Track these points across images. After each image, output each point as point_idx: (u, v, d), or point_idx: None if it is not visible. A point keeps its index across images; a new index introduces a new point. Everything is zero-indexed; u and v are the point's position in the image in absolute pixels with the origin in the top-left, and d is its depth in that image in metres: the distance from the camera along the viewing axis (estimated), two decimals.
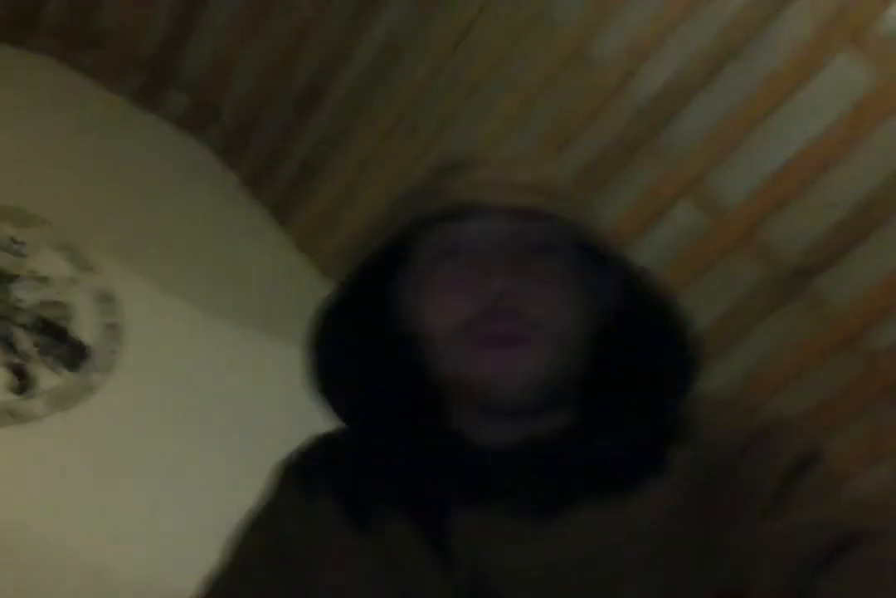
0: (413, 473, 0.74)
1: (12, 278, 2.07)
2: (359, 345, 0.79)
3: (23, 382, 1.93)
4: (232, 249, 2.42)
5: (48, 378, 1.97)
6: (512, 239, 0.71)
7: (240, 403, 2.12)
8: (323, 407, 0.77)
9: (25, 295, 2.06)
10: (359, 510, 0.73)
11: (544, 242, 0.72)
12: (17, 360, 1.96)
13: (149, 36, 2.49)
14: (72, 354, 2.04)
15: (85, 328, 2.08)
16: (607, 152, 1.87)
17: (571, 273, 0.73)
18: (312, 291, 2.32)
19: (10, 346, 1.97)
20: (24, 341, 1.99)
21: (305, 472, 0.79)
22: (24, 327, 2.01)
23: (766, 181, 1.70)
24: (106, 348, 2.08)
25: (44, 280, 2.11)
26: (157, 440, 1.98)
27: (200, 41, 2.48)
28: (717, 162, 1.75)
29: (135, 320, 2.14)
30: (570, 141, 1.93)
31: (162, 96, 2.59)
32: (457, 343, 0.71)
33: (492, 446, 0.72)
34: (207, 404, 2.09)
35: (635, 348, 0.76)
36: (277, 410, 2.02)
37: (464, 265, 0.72)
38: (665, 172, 1.82)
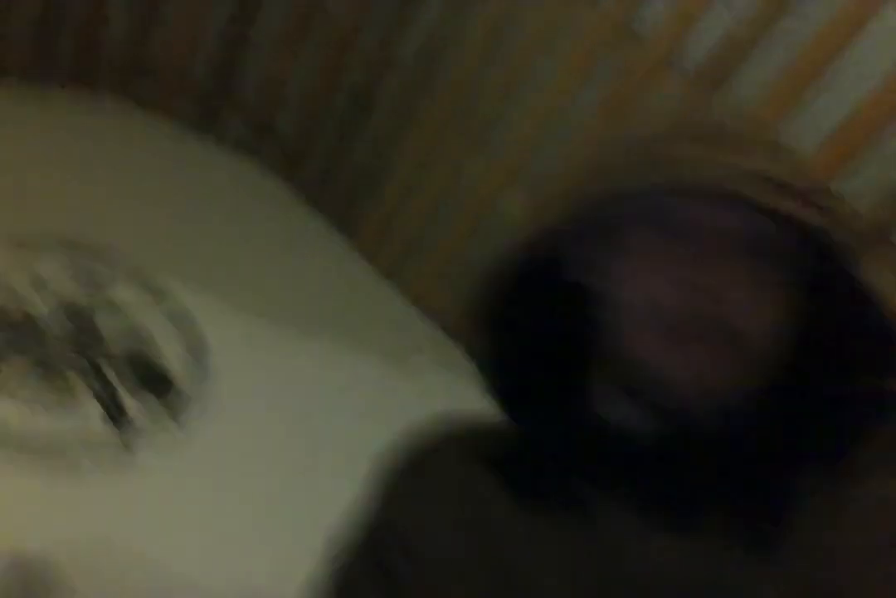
0: (555, 457, 0.69)
1: (95, 312, 2.12)
2: (527, 305, 0.75)
3: (115, 414, 1.96)
4: (299, 262, 2.44)
5: (137, 407, 2.00)
6: (744, 237, 0.64)
7: (324, 415, 2.13)
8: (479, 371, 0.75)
9: (108, 326, 2.10)
10: (494, 498, 0.69)
11: (779, 248, 0.65)
12: (106, 392, 1.99)
13: (200, 63, 2.54)
14: (158, 380, 2.06)
15: (168, 353, 2.11)
16: (660, 126, 1.81)
17: (797, 289, 0.66)
18: (381, 296, 2.33)
19: (100, 378, 2.00)
20: (111, 371, 2.03)
21: (433, 462, 0.75)
22: (110, 357, 2.05)
23: (829, 137, 1.62)
24: (191, 371, 2.10)
25: (124, 310, 2.15)
26: (251, 465, 1.96)
27: (249, 63, 2.52)
28: (778, 122, 1.67)
29: (214, 340, 2.16)
30: (625, 115, 1.88)
31: (218, 121, 2.64)
32: (643, 327, 0.65)
33: (640, 437, 0.67)
34: (294, 418, 2.10)
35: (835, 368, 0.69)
36: (361, 423, 2.02)
37: (681, 249, 0.65)
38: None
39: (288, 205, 2.57)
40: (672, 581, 0.60)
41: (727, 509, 0.62)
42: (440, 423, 0.78)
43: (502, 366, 0.75)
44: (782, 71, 1.65)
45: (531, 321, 0.75)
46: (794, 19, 1.64)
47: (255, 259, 2.40)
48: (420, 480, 0.75)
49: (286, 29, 2.43)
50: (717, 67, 1.73)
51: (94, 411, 1.96)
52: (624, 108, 1.88)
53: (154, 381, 2.06)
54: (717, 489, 0.63)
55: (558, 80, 1.99)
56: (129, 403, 2.00)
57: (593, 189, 0.69)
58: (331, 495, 1.88)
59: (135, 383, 2.03)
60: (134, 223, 2.33)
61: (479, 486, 0.70)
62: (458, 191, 2.27)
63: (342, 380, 2.21)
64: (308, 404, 2.14)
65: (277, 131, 2.61)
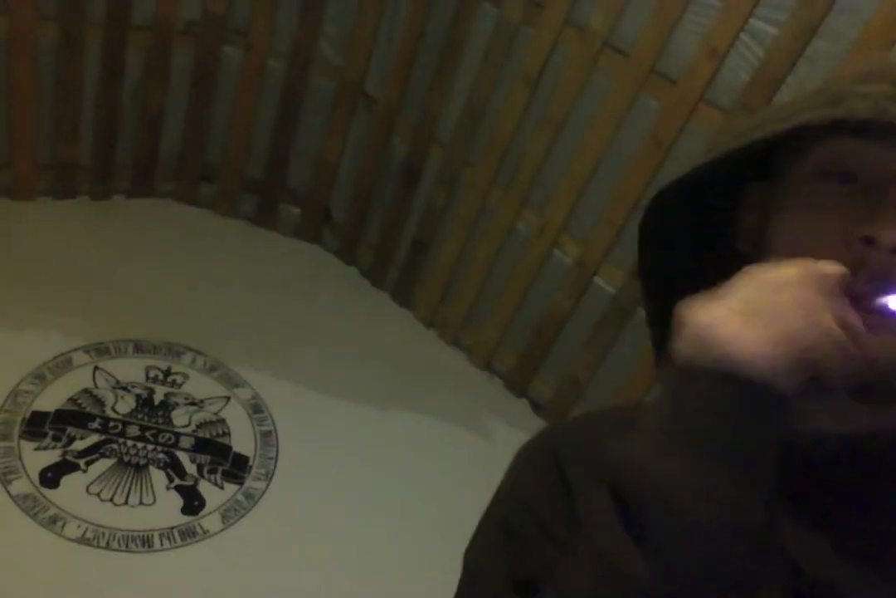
0: None
1: (172, 407, 2.17)
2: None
3: (195, 503, 1.99)
4: (366, 339, 2.47)
5: (216, 495, 2.02)
6: None
7: (395, 482, 2.12)
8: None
9: (185, 420, 2.15)
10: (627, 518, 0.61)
11: None
12: (186, 483, 2.02)
13: (253, 161, 2.64)
14: (234, 467, 2.09)
15: (242, 440, 2.14)
16: None
17: None
18: (447, 363, 2.34)
19: (179, 470, 2.04)
20: (190, 463, 2.06)
21: (557, 452, 0.67)
22: (188, 450, 2.09)
23: None
24: (264, 456, 2.13)
25: (200, 403, 2.20)
26: (324, 536, 1.98)
27: (299, 153, 2.61)
28: None
29: (286, 424, 2.20)
30: (666, 155, 1.86)
31: (275, 213, 2.72)
32: None
33: (829, 431, 0.57)
34: (365, 487, 2.10)
35: None
36: (436, 487, 2.00)
37: (855, 194, 0.56)
38: None
39: (350, 285, 2.64)
40: None
41: None
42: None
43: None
44: None
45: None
46: (825, 41, 1.62)
47: (322, 341, 2.44)
48: (551, 456, 0.68)
49: (333, 113, 2.51)
50: (753, 97, 1.71)
51: (173, 502, 1.98)
52: (664, 148, 1.86)
53: (228, 467, 2.08)
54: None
55: (596, 130, 1.99)
56: (206, 488, 2.03)
57: (769, 125, 0.59)
58: (395, 565, 1.89)
59: (210, 471, 2.06)
60: (206, 318, 2.40)
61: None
62: (510, 252, 2.27)
63: (412, 450, 2.20)
64: (377, 477, 2.13)
65: (332, 216, 2.68)
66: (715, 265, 0.66)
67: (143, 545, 1.88)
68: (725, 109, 1.76)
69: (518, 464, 0.71)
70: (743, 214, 0.66)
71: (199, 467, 2.06)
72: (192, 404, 2.19)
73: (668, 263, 0.69)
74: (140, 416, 2.13)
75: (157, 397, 2.18)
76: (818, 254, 0.54)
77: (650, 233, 0.68)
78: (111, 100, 2.48)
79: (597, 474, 0.59)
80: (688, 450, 0.50)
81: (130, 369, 2.22)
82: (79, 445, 2.02)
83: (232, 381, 2.27)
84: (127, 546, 1.87)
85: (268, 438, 2.17)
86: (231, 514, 1.99)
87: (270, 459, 2.12)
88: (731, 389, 0.49)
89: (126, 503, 1.95)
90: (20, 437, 2.00)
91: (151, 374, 2.23)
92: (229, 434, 2.15)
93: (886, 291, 0.54)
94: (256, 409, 2.23)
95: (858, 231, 0.54)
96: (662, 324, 0.65)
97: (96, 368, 2.19)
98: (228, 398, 2.23)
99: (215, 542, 1.93)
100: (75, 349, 2.21)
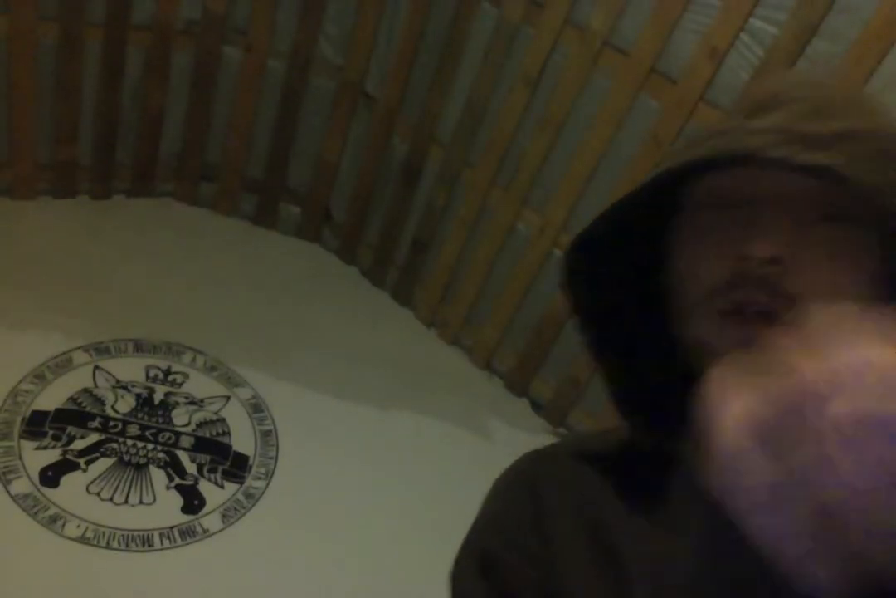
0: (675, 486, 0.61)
1: (172, 406, 2.17)
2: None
3: (195, 502, 1.99)
4: (366, 339, 2.47)
5: (216, 494, 2.02)
6: (795, 199, 0.59)
7: (395, 481, 2.12)
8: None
9: (186, 419, 2.15)
10: (603, 544, 0.61)
11: (834, 204, 0.59)
12: (186, 482, 2.02)
13: (253, 161, 2.64)
14: (234, 466, 2.09)
15: (242, 440, 2.14)
16: None
17: (864, 250, 0.59)
18: (447, 362, 2.34)
19: (179, 469, 2.04)
20: (190, 462, 2.07)
21: (535, 481, 0.67)
22: (188, 449, 2.09)
23: None
24: (264, 456, 2.13)
25: (200, 402, 2.20)
26: (323, 535, 1.98)
27: (299, 153, 2.61)
28: None
29: (286, 424, 2.20)
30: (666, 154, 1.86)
31: (275, 213, 2.73)
32: (699, 310, 0.60)
33: None
34: (364, 487, 2.10)
35: None
36: (435, 488, 2.00)
37: (729, 220, 0.60)
38: None
39: (350, 285, 2.64)
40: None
41: None
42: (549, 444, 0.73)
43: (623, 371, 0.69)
44: None
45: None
46: (826, 41, 1.62)
47: (323, 341, 2.44)
48: (530, 485, 0.68)
49: (332, 112, 2.51)
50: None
51: (173, 502, 1.99)
52: (665, 148, 1.86)
53: (228, 466, 2.08)
54: None
55: (596, 130, 1.99)
56: (206, 488, 2.03)
57: (661, 166, 0.64)
58: (394, 565, 1.89)
59: (210, 470, 2.06)
60: (206, 317, 2.40)
61: (589, 487, 0.65)
62: (510, 252, 2.28)
63: (412, 449, 2.20)
64: (377, 476, 2.13)
65: (332, 216, 2.68)
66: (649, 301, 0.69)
67: (143, 545, 1.88)
68: (725, 109, 1.76)
69: (496, 493, 0.71)
70: (662, 254, 0.68)
71: (199, 467, 2.06)
72: (192, 403, 2.19)
73: (601, 298, 0.70)
74: (140, 415, 2.13)
75: (158, 397, 2.18)
76: (706, 279, 0.59)
77: (580, 273, 0.69)
78: (111, 99, 2.48)
79: (574, 515, 0.61)
80: None
81: (130, 369, 2.22)
82: (79, 444, 2.02)
83: (232, 380, 2.27)
84: (127, 546, 1.87)
85: (268, 437, 2.17)
86: (231, 513, 2.00)
87: (270, 458, 2.13)
88: None
89: (126, 502, 1.95)
90: (20, 436, 2.00)
91: (151, 373, 2.23)
92: (229, 434, 2.15)
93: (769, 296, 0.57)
94: (256, 408, 2.23)
95: (736, 250, 0.58)
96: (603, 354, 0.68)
97: (96, 367, 2.19)
98: (228, 398, 2.23)
99: (215, 541, 1.93)
100: (75, 349, 2.21)
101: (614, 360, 0.69)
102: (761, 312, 0.57)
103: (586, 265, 0.68)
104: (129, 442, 2.06)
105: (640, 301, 0.70)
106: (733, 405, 0.42)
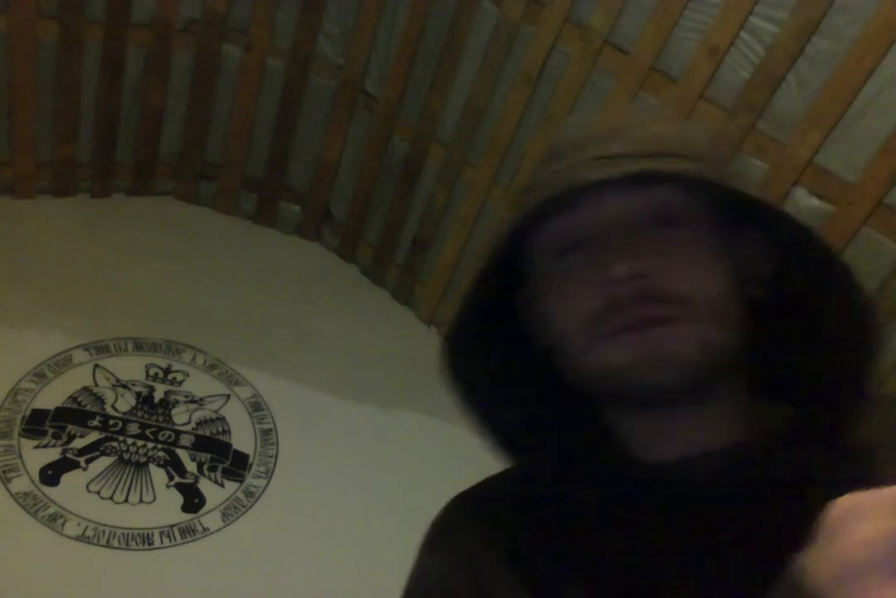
0: (585, 515, 0.63)
1: (172, 405, 2.17)
2: (506, 367, 0.72)
3: (195, 501, 1.99)
4: (365, 337, 2.47)
5: (216, 493, 2.02)
6: (626, 214, 0.62)
7: (395, 480, 2.12)
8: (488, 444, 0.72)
9: (186, 418, 2.15)
10: (524, 574, 0.62)
11: (664, 208, 0.63)
12: (187, 480, 2.02)
13: (253, 159, 2.64)
14: (234, 465, 2.09)
15: (242, 438, 2.15)
16: None
17: (709, 239, 0.63)
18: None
19: (179, 468, 2.04)
20: (190, 461, 2.07)
21: (461, 531, 0.69)
22: (188, 448, 2.09)
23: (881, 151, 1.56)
24: (264, 454, 2.13)
25: (200, 401, 2.20)
26: (323, 534, 1.98)
27: (299, 152, 2.61)
28: (826, 140, 1.63)
29: (286, 422, 2.21)
30: None
31: (275, 211, 2.73)
32: (590, 339, 0.62)
33: (671, 468, 0.61)
34: (364, 486, 2.11)
35: (800, 323, 0.66)
36: (434, 487, 1.99)
37: (584, 255, 0.63)
38: (775, 161, 1.71)
39: (350, 283, 2.64)
40: None
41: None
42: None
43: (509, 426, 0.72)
44: (820, 91, 1.62)
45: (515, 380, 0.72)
46: (826, 40, 1.62)
47: (323, 339, 2.44)
48: (454, 532, 0.71)
49: (332, 113, 2.51)
50: (753, 95, 1.71)
51: (173, 500, 1.99)
52: None
53: (228, 464, 2.08)
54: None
55: (597, 126, 1.99)
56: (206, 486, 2.03)
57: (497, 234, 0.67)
58: (394, 564, 1.89)
59: (211, 469, 2.06)
60: (206, 316, 2.40)
61: (506, 523, 0.67)
62: None
63: (411, 448, 2.20)
64: (376, 475, 2.13)
65: (332, 215, 2.68)
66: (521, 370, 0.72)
67: (144, 543, 1.88)
68: (726, 108, 1.76)
69: (428, 544, 0.73)
70: (526, 320, 0.70)
71: (199, 465, 2.07)
72: (192, 401, 2.19)
73: (474, 368, 0.72)
74: (140, 414, 2.13)
75: (157, 395, 2.18)
76: (585, 315, 0.61)
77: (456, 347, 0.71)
78: (111, 98, 2.47)
79: (497, 553, 0.63)
80: None
81: (130, 367, 2.22)
82: (79, 442, 2.02)
83: (232, 379, 2.27)
84: (127, 544, 1.87)
85: (268, 436, 2.17)
86: (231, 512, 2.00)
87: (270, 457, 2.13)
88: None
89: (126, 500, 1.95)
90: (20, 435, 2.00)
91: (151, 372, 2.23)
92: (229, 432, 2.15)
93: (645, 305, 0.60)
94: (256, 407, 2.23)
95: (602, 279, 0.60)
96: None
97: (96, 366, 2.19)
98: (228, 396, 2.23)
99: (215, 540, 1.93)
100: (75, 347, 2.21)
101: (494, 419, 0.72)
102: (653, 318, 0.59)
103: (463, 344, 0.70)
104: (129, 441, 2.06)
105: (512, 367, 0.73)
106: None
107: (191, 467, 2.06)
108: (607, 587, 0.59)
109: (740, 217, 0.64)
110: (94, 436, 2.05)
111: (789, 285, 0.66)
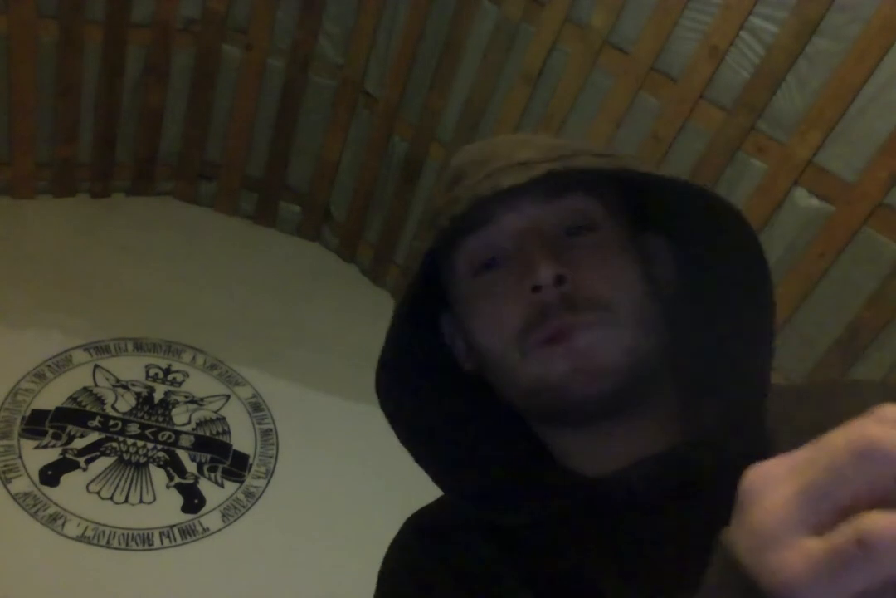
0: (540, 536, 0.63)
1: (172, 405, 2.17)
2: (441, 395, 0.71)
3: (195, 501, 1.99)
4: (365, 337, 2.46)
5: (216, 493, 2.02)
6: (540, 223, 0.62)
7: (395, 480, 2.11)
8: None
9: (185, 418, 2.15)
10: (482, 594, 0.62)
11: (578, 215, 0.63)
12: (187, 481, 2.02)
13: (253, 159, 2.64)
14: (234, 465, 2.09)
15: (242, 439, 2.15)
16: (706, 159, 1.79)
17: (620, 242, 0.63)
18: None
19: (179, 468, 2.04)
20: (190, 461, 2.07)
21: (418, 554, 0.69)
22: (188, 448, 2.09)
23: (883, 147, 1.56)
24: (264, 455, 2.13)
25: (200, 401, 2.20)
26: (323, 534, 1.98)
27: (299, 152, 2.61)
28: (827, 139, 1.63)
29: (286, 422, 2.21)
30: (667, 155, 1.86)
31: (275, 211, 2.72)
32: (520, 352, 0.61)
33: (610, 481, 0.61)
34: (364, 486, 2.10)
35: (707, 314, 0.66)
36: (434, 487, 1.99)
37: (499, 270, 0.63)
38: (775, 161, 1.71)
39: (350, 283, 2.64)
40: None
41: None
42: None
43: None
44: (820, 91, 1.62)
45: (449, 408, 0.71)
46: (826, 39, 1.61)
47: (323, 339, 2.44)
48: (412, 559, 0.71)
49: (331, 114, 2.51)
50: (753, 95, 1.71)
51: (173, 500, 1.99)
52: (665, 146, 1.86)
53: (228, 465, 2.08)
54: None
55: (597, 128, 1.99)
56: (206, 487, 2.03)
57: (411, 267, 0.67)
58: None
59: (211, 469, 2.06)
60: (206, 316, 2.40)
61: (459, 546, 0.67)
62: None
63: (407, 452, 2.20)
64: (376, 475, 2.12)
65: (332, 214, 2.68)
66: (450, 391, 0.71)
67: (143, 544, 1.88)
68: (726, 108, 1.76)
69: (385, 573, 0.73)
70: (450, 343, 0.70)
71: (200, 466, 2.07)
72: (192, 402, 2.19)
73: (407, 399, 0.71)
74: (140, 414, 2.13)
75: (157, 396, 2.18)
76: (512, 329, 0.61)
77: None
78: (111, 98, 2.47)
79: (455, 579, 0.63)
80: None
81: (130, 368, 2.22)
82: (79, 443, 2.02)
83: (232, 379, 2.27)
84: (127, 545, 1.87)
85: (268, 436, 2.17)
86: (231, 512, 2.00)
87: (270, 457, 2.13)
88: None
89: (126, 501, 1.95)
90: (20, 435, 2.00)
91: (151, 372, 2.23)
92: (229, 432, 2.15)
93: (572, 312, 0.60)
94: (256, 407, 2.23)
95: (523, 288, 0.60)
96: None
97: (96, 366, 2.19)
98: (228, 396, 2.23)
99: (215, 540, 1.93)
100: (75, 348, 2.21)
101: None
102: (576, 326, 0.59)
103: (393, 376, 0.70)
104: (129, 441, 2.06)
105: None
106: None
107: (191, 467, 2.06)
108: None
109: (646, 219, 0.65)
110: (94, 436, 2.05)
111: (694, 281, 0.67)
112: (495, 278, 0.63)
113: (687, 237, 0.66)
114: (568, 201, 0.63)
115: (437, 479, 0.70)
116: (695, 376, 0.67)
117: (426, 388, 0.71)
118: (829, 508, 0.31)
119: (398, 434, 0.71)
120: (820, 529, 0.31)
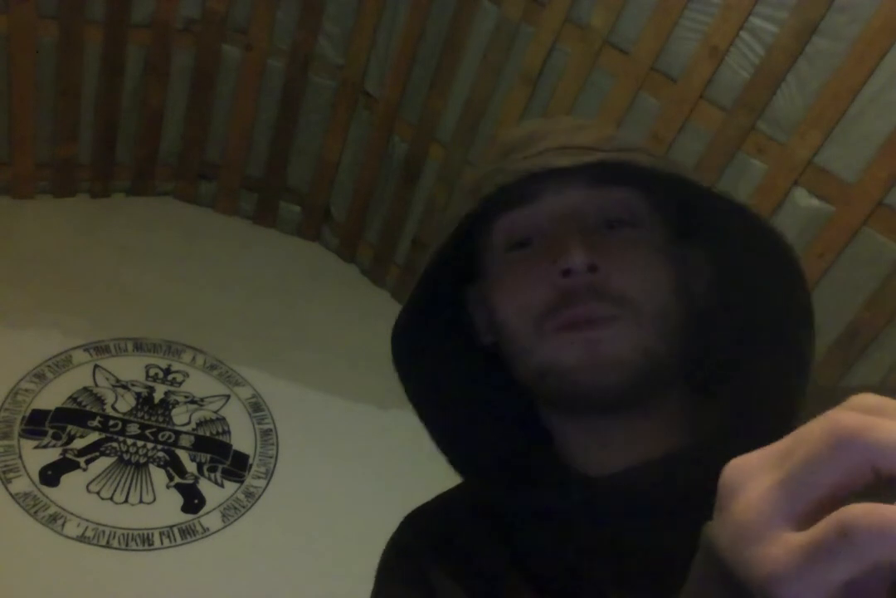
0: (539, 533, 0.63)
1: (172, 405, 2.17)
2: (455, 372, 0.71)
3: (195, 501, 1.99)
4: (365, 337, 2.46)
5: (216, 493, 2.02)
6: (583, 210, 0.62)
7: (395, 480, 2.12)
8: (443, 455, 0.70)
9: (185, 418, 2.15)
10: (481, 590, 0.62)
11: (623, 208, 0.62)
12: (186, 481, 2.02)
13: (253, 159, 2.64)
14: (234, 465, 2.09)
15: (242, 439, 2.15)
16: (706, 159, 1.79)
17: (659, 243, 0.63)
18: None
19: (179, 468, 2.04)
20: (191, 461, 2.06)
21: (416, 552, 0.69)
22: (188, 448, 2.09)
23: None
24: (264, 455, 2.13)
25: (200, 401, 2.20)
26: (323, 534, 1.99)
27: (299, 152, 2.61)
28: (827, 139, 1.63)
29: (286, 422, 2.21)
30: (667, 155, 1.86)
31: (275, 211, 2.72)
32: (538, 334, 0.61)
33: (613, 481, 0.60)
34: (364, 486, 2.10)
35: (735, 322, 0.66)
36: (434, 487, 1.99)
37: (534, 249, 0.62)
38: (775, 161, 1.71)
39: (350, 283, 2.64)
40: None
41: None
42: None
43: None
44: (820, 91, 1.62)
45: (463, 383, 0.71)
46: (826, 39, 1.61)
47: (323, 339, 2.44)
48: (410, 554, 0.71)
49: (331, 114, 2.51)
50: (753, 95, 1.71)
51: (173, 501, 1.99)
52: (665, 146, 1.86)
53: (228, 465, 2.08)
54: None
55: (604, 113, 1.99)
56: (206, 487, 2.03)
57: (443, 231, 0.65)
58: None
59: (210, 469, 2.06)
60: (206, 316, 2.40)
61: (459, 540, 0.67)
62: None
63: (411, 448, 2.19)
64: (376, 476, 2.13)
65: (332, 215, 2.68)
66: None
67: (143, 544, 1.88)
68: (726, 108, 1.76)
69: (383, 570, 0.72)
70: (472, 314, 0.69)
71: (199, 466, 2.06)
72: (192, 402, 2.19)
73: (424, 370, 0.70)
74: (140, 414, 2.13)
75: (157, 396, 2.18)
76: (534, 309, 0.60)
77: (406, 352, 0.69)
78: (111, 98, 2.47)
79: (453, 576, 0.63)
80: None
81: (130, 368, 2.22)
82: (79, 443, 2.02)
83: (232, 379, 2.27)
84: (127, 545, 1.87)
85: (268, 436, 2.17)
86: (231, 512, 2.00)
87: (270, 457, 2.13)
88: None
89: (126, 501, 1.95)
90: (20, 435, 2.00)
91: (151, 372, 2.23)
92: (229, 432, 2.15)
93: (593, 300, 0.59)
94: (256, 407, 2.23)
95: (554, 271, 0.59)
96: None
97: (96, 366, 2.19)
98: (228, 397, 2.23)
99: (215, 540, 1.93)
100: (75, 348, 2.21)
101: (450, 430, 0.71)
102: (594, 318, 0.59)
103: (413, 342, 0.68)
104: (129, 441, 2.06)
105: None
106: None
107: (191, 467, 2.06)
108: None
109: (690, 229, 0.65)
110: (94, 436, 2.05)
111: (728, 294, 0.66)
112: (528, 257, 0.62)
113: (724, 255, 0.65)
114: (614, 193, 0.62)
115: (441, 444, 0.71)
116: (711, 377, 0.66)
117: (441, 355, 0.70)
118: (808, 499, 0.31)
119: (407, 391, 0.70)
120: (800, 520, 0.31)
